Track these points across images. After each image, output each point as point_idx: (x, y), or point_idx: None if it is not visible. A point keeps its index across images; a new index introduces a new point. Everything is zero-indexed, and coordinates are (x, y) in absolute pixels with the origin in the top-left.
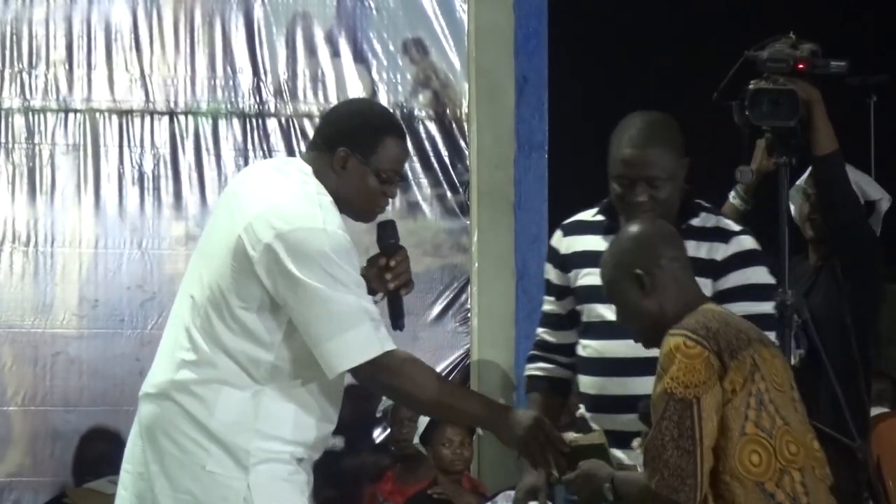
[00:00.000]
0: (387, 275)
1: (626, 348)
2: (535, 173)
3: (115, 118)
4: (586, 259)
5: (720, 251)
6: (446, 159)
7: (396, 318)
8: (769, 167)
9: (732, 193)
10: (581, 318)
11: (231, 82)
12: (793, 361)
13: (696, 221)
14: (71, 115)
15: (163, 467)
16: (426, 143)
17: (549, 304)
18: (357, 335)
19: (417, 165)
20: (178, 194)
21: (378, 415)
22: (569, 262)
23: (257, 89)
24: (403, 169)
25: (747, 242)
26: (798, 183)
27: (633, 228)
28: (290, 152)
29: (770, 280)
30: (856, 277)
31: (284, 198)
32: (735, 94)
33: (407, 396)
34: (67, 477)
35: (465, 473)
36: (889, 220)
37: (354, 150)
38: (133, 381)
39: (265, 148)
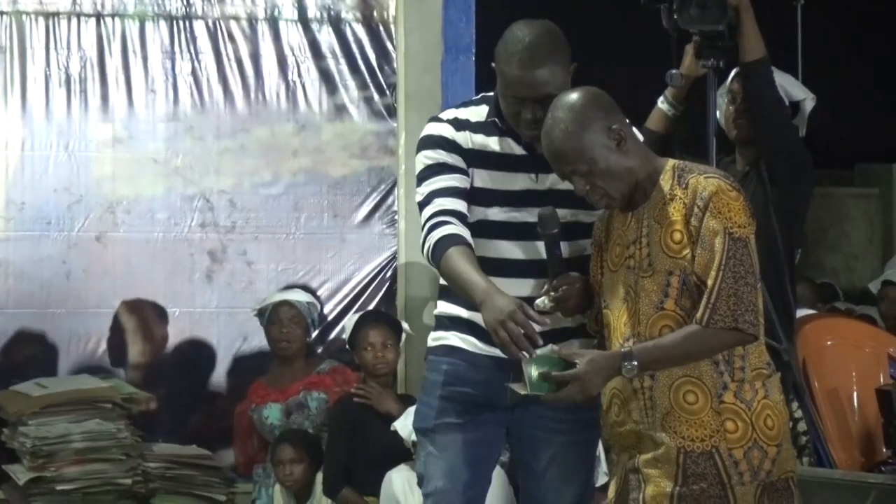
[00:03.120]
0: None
1: (530, 251)
2: (463, 76)
3: (41, 20)
4: (486, 159)
5: None
6: (373, 62)
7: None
8: (698, 72)
9: (661, 99)
10: (474, 218)
11: None
12: None
13: None
14: None
15: None
16: (353, 46)
17: (450, 181)
18: None
19: (345, 68)
20: (104, 97)
21: (253, 314)
22: (470, 158)
23: None
24: None
25: None
26: (723, 86)
27: (579, 95)
28: (218, 55)
29: None
30: (783, 182)
31: None
32: None
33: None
34: None
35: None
36: (814, 126)
37: None
38: (59, 284)
39: (192, 51)
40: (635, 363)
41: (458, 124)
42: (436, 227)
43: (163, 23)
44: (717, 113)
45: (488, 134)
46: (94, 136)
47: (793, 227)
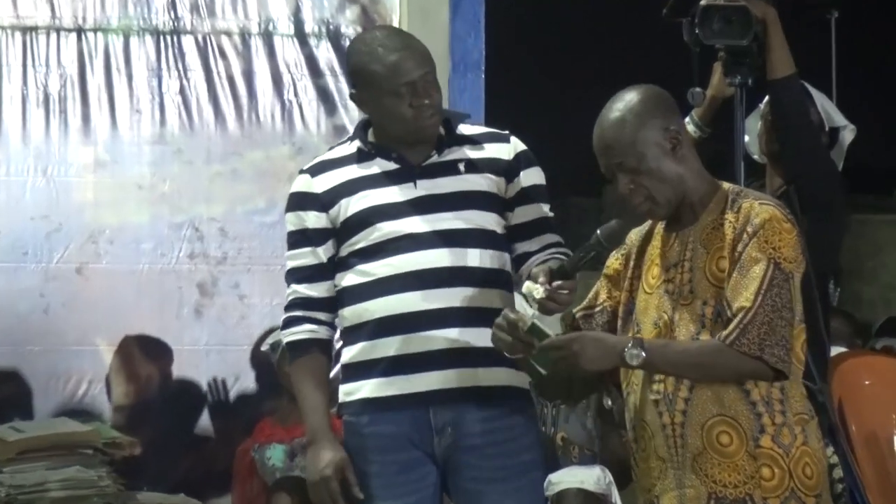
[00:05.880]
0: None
1: (437, 258)
2: (472, 95)
3: (17, 35)
4: (353, 186)
5: (505, 151)
6: None
7: None
8: (726, 91)
9: (687, 119)
10: (357, 245)
11: None
12: None
13: (465, 128)
14: None
15: None
16: None
17: (304, 258)
18: None
19: (344, 86)
20: (86, 117)
21: (264, 348)
22: (331, 197)
23: (172, 4)
24: None
25: (521, 143)
26: (757, 110)
27: (642, 88)
28: (208, 73)
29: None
30: (814, 210)
31: None
32: (686, 10)
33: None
34: None
35: None
36: (849, 148)
37: None
38: (37, 319)
39: (181, 68)
40: (643, 354)
41: (318, 168)
42: (290, 324)
43: (149, 38)
44: (747, 138)
45: (359, 161)
46: (74, 159)
47: (826, 256)
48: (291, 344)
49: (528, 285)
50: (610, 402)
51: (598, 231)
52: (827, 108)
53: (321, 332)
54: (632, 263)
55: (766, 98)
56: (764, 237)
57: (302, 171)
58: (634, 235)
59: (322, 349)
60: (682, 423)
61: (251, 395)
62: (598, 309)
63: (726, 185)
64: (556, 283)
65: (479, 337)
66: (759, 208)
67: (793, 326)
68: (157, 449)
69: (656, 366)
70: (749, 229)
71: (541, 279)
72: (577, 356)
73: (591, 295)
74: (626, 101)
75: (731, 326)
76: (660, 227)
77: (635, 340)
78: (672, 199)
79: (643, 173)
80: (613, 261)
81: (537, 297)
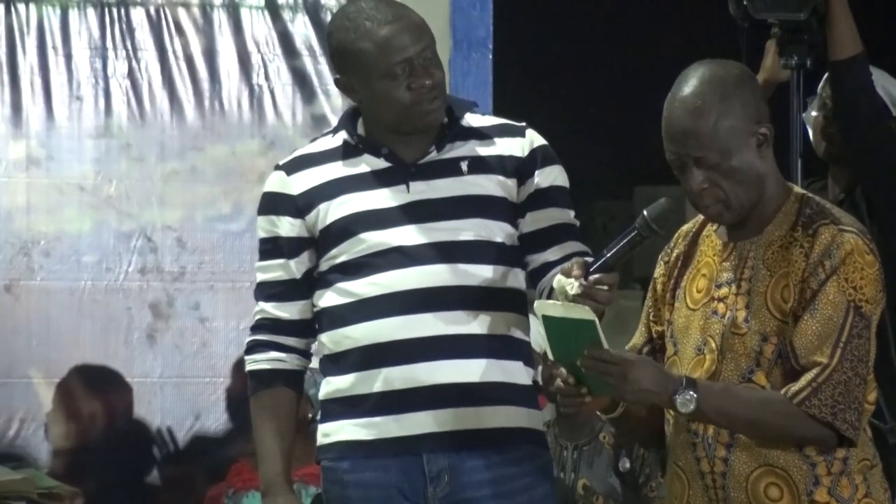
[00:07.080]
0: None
1: (431, 275)
2: (477, 78)
3: None
4: (335, 187)
5: (518, 147)
6: None
7: None
8: (780, 74)
9: None
10: (338, 259)
11: None
12: None
13: (472, 119)
14: None
15: None
16: None
17: (274, 272)
18: None
19: (324, 68)
20: (16, 106)
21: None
22: (308, 201)
23: None
24: None
25: (539, 136)
26: (815, 93)
27: (729, 66)
28: (162, 52)
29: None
30: (884, 216)
31: None
32: None
33: None
34: None
35: None
36: None
37: None
38: None
39: (129, 46)
40: (695, 397)
41: (296, 165)
42: (253, 350)
43: (91, 10)
44: (810, 131)
45: (344, 157)
46: (2, 156)
47: None
48: (253, 374)
49: (559, 279)
50: (628, 465)
51: (645, 212)
52: (890, 90)
53: (289, 361)
54: (675, 272)
55: (824, 80)
56: (844, 275)
57: (277, 168)
58: (681, 238)
59: (288, 381)
60: (724, 473)
61: (215, 436)
62: (654, 346)
63: (796, 190)
64: (594, 276)
65: (483, 370)
66: (841, 237)
67: (867, 383)
68: (102, 500)
69: (706, 414)
70: (826, 263)
71: (575, 272)
72: (626, 383)
73: (636, 338)
74: (711, 80)
75: (803, 383)
76: (710, 228)
77: (688, 382)
78: (747, 204)
79: (723, 171)
80: (659, 276)
81: (571, 293)
